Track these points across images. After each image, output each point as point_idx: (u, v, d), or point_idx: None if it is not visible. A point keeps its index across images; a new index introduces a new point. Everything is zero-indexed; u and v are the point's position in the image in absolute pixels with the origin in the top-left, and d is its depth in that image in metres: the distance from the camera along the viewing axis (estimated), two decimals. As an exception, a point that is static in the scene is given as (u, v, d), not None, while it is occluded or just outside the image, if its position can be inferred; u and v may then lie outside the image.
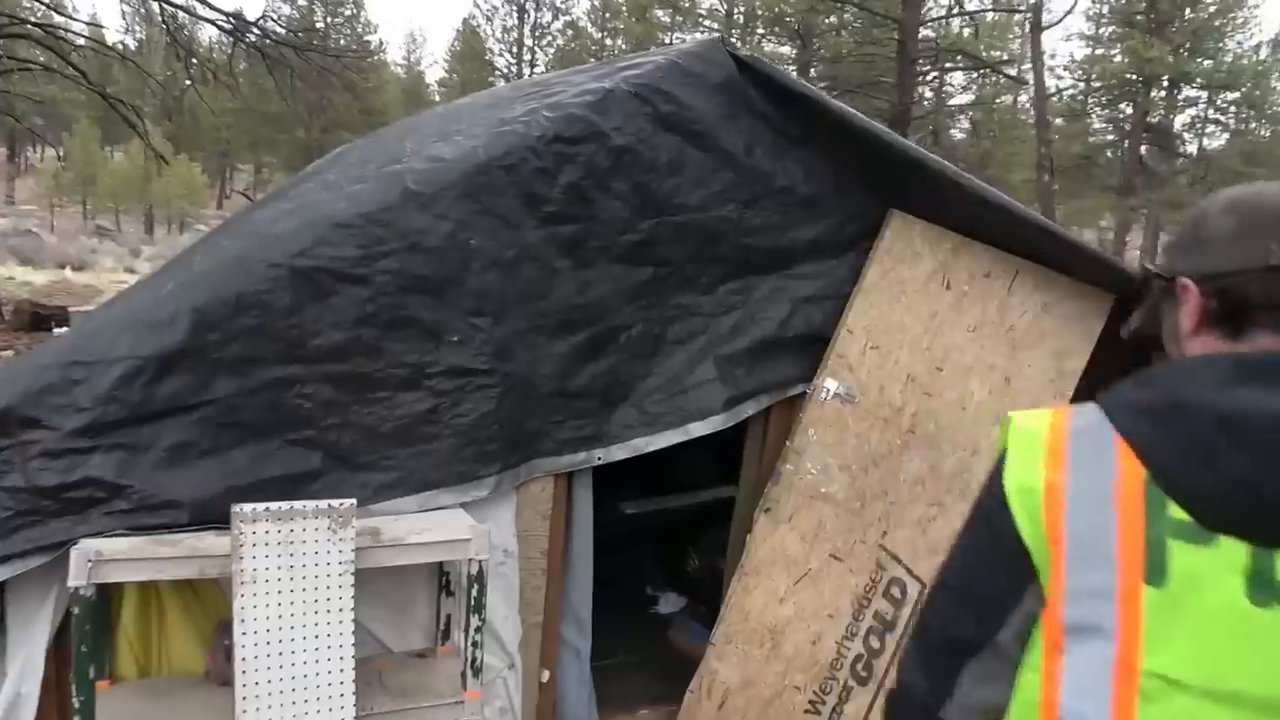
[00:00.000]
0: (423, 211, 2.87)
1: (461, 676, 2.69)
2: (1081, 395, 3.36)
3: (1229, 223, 1.15)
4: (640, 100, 3.10)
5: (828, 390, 3.36)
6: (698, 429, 3.26)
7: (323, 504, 2.43)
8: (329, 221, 2.80)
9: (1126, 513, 1.06)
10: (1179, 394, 1.09)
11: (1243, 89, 37.12)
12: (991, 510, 1.18)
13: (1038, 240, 3.21)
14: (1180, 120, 39.90)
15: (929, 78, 26.90)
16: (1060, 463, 1.12)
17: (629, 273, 3.18)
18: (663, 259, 3.21)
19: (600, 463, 3.23)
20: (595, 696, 3.51)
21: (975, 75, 34.22)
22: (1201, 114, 41.16)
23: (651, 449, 3.25)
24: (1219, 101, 39.24)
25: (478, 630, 2.65)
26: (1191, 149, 40.29)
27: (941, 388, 3.36)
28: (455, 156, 2.98)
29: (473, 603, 2.64)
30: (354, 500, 2.47)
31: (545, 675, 3.32)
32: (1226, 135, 41.89)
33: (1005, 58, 29.45)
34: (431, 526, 2.71)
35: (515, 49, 43.35)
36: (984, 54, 26.77)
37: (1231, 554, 1.02)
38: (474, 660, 2.67)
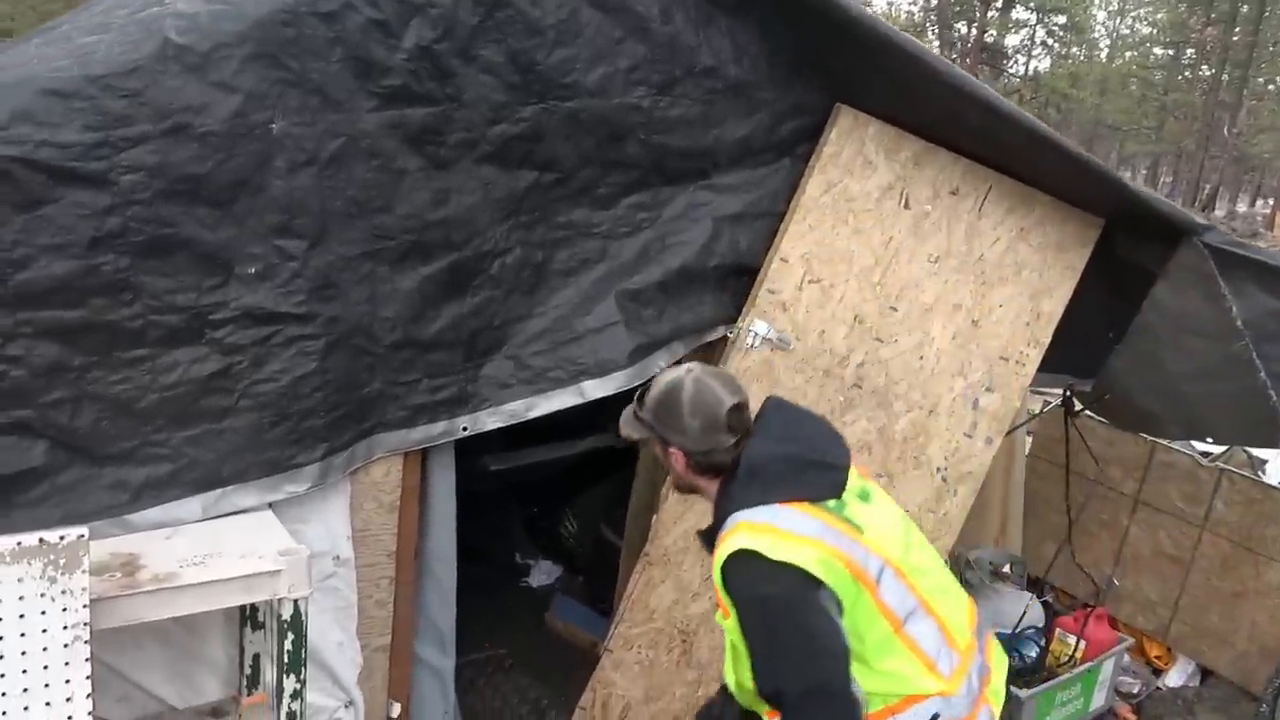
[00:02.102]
0: (193, 77, 1.91)
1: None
2: (1062, 340, 2.79)
3: (696, 424, 1.77)
4: (520, -69, 2.20)
5: (755, 335, 2.65)
6: (595, 388, 2.49)
7: (30, 539, 1.52)
8: (35, 86, 1.79)
9: (830, 525, 1.70)
10: (774, 462, 1.77)
11: (1069, 13, 38.61)
12: (807, 591, 1.66)
13: (1022, 146, 2.56)
14: (1011, 41, 41.17)
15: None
16: (806, 538, 1.68)
17: (503, 178, 2.33)
18: (548, 160, 2.38)
19: (466, 434, 2.42)
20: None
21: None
22: (1030, 36, 42.65)
23: (534, 415, 2.47)
24: (1049, 24, 40.68)
25: (294, 696, 1.83)
26: (1019, 69, 41.78)
27: (895, 332, 2.71)
28: (244, -4, 2.00)
29: (286, 658, 1.81)
30: (84, 530, 1.56)
31: (395, 709, 2.54)
32: (1049, 58, 43.69)
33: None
34: (222, 549, 1.84)
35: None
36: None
37: (850, 500, 1.76)
38: (291, 737, 1.85)
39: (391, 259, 2.21)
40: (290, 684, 1.82)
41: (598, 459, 4.11)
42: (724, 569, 1.68)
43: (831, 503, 1.69)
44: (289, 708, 1.82)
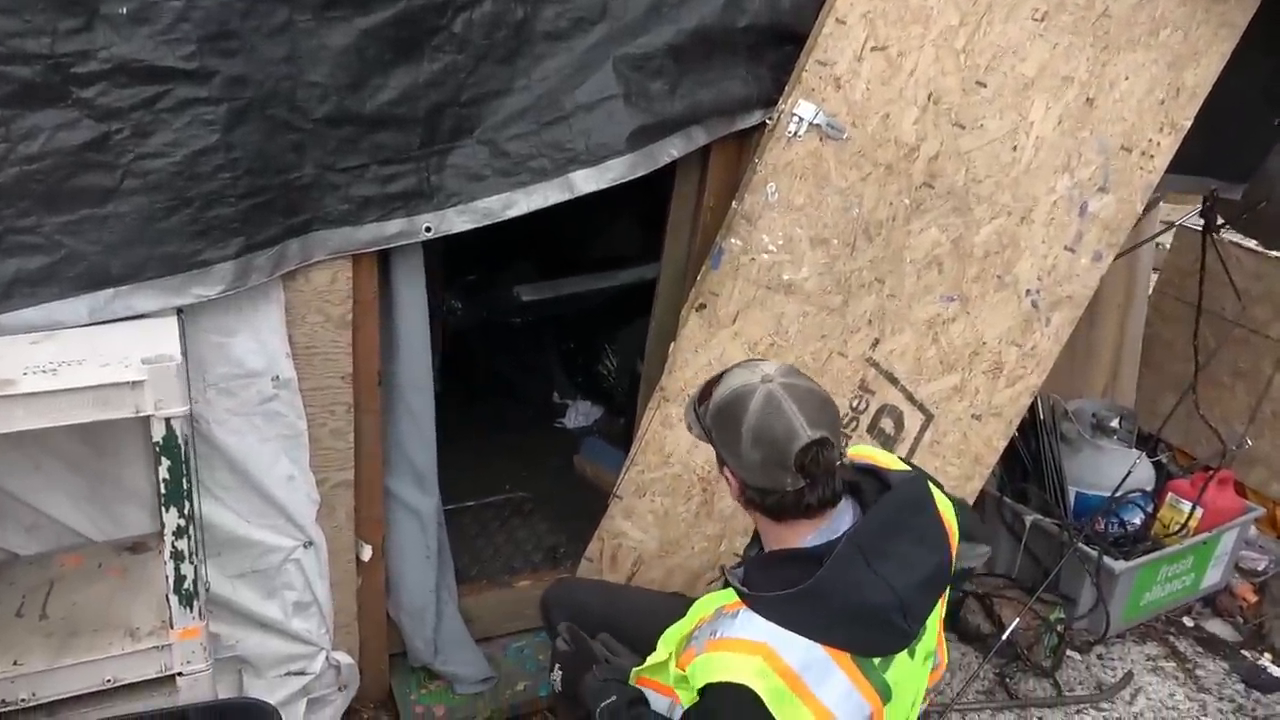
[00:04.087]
0: None
1: (166, 602, 1.58)
2: (1205, 129, 2.13)
3: (757, 456, 1.42)
4: None
5: (800, 120, 2.10)
6: (586, 180, 2.01)
7: None
8: None
9: (858, 684, 1.40)
10: (849, 601, 1.40)
11: None
12: None
13: None
14: None
15: None
16: (823, 708, 1.36)
17: (464, -99, 1.80)
18: (524, -122, 1.83)
19: (430, 236, 1.99)
20: (452, 569, 2.47)
21: None
22: None
23: (514, 214, 2.02)
24: None
25: (179, 533, 1.51)
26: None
27: (982, 115, 2.11)
28: None
29: (165, 488, 1.48)
30: None
31: (367, 551, 2.26)
32: None
33: None
34: (92, 358, 1.50)
35: None
36: None
37: (904, 658, 1.46)
38: (180, 579, 1.55)
39: (314, 6, 1.74)
40: (172, 519, 1.49)
41: (642, 292, 3.67)
42: (710, 688, 1.38)
43: (877, 660, 1.41)
44: (173, 546, 1.51)
